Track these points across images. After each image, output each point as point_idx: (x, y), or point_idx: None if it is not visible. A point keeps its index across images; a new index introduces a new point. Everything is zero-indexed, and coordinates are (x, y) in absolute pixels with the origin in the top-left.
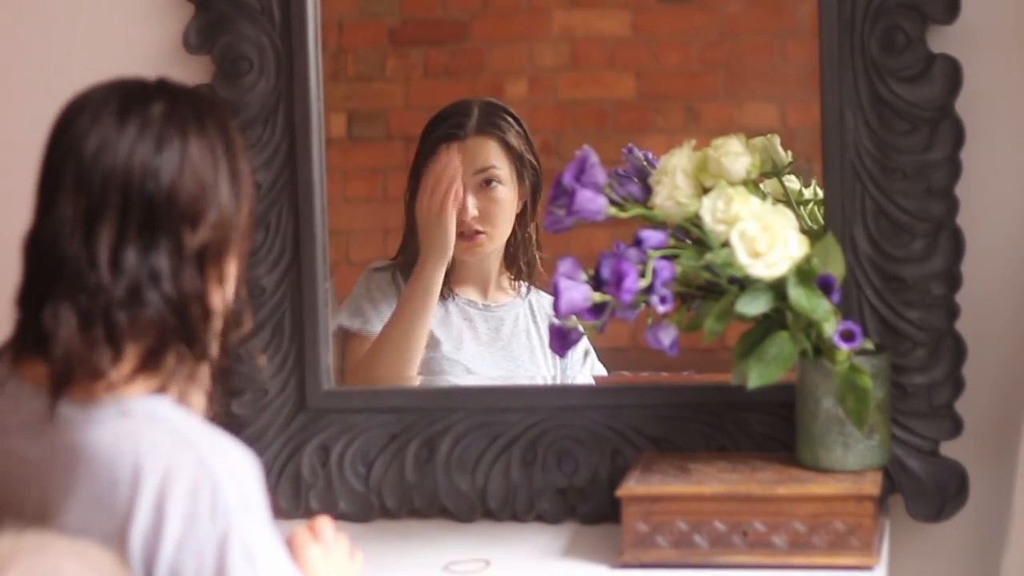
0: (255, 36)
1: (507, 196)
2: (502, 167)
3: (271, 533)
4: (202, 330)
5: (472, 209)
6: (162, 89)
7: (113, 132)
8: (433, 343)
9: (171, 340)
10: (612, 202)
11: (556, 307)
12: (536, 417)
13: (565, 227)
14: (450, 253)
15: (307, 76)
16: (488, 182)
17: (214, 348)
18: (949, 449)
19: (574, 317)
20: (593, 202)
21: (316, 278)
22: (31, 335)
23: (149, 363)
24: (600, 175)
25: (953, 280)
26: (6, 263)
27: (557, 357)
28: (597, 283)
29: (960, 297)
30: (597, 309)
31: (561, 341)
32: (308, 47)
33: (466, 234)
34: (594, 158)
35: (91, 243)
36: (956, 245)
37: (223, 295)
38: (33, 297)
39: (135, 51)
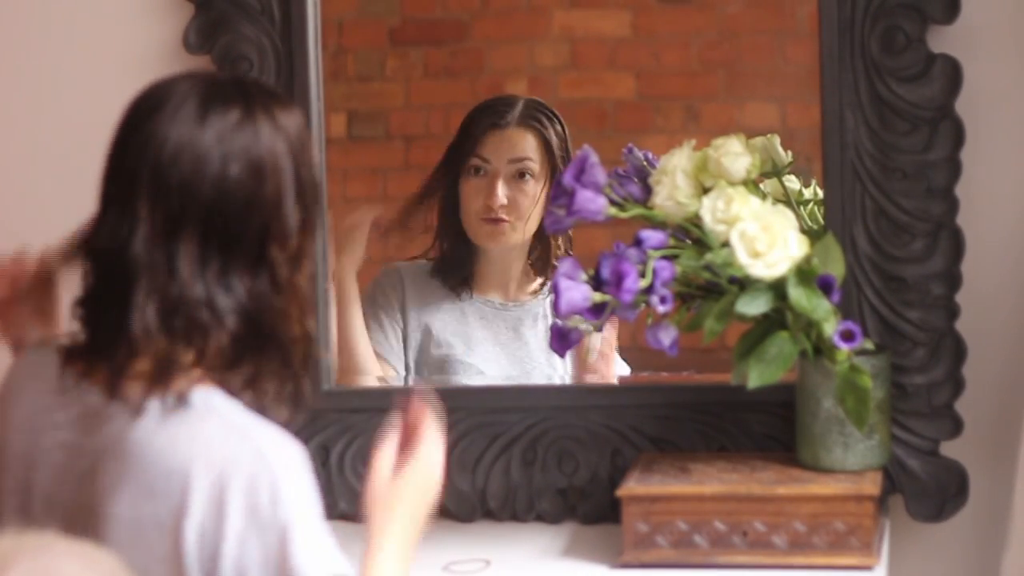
0: (255, 36)
1: (537, 191)
2: (536, 161)
3: (324, 523)
4: (278, 341)
5: (501, 197)
6: (239, 90)
7: (190, 136)
8: (444, 345)
9: (247, 351)
10: (612, 202)
11: (556, 307)
12: (536, 417)
13: (565, 227)
14: (359, 261)
15: (307, 76)
16: (521, 174)
17: (290, 358)
18: (949, 449)
19: (576, 317)
20: (593, 202)
21: (316, 278)
22: (99, 337)
23: (226, 371)
24: (600, 175)
25: (953, 280)
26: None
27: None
28: (597, 283)
29: (960, 297)
30: (597, 309)
31: (561, 341)
32: (308, 47)
33: (490, 217)
34: (594, 158)
35: (172, 253)
36: (956, 245)
37: (297, 303)
38: (104, 300)
39: (135, 51)
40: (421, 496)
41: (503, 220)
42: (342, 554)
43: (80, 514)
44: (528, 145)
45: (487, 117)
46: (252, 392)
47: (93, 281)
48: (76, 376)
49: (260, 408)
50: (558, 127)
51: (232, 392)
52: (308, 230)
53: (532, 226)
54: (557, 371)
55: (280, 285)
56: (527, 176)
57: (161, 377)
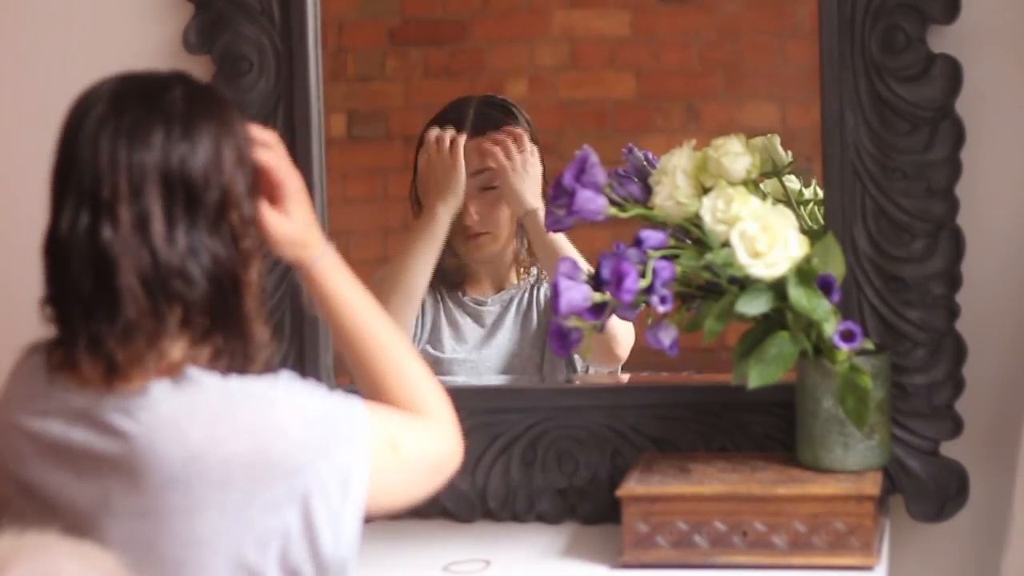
0: (255, 36)
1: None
2: (498, 167)
3: (331, 398)
4: (246, 309)
5: (473, 214)
6: (174, 77)
7: (141, 115)
8: (438, 346)
9: (219, 320)
10: (612, 202)
11: (556, 307)
12: (536, 417)
13: (565, 227)
14: (461, 195)
15: (307, 76)
16: (486, 185)
17: (256, 328)
18: (949, 449)
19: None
20: (593, 202)
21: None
22: (83, 329)
23: (199, 343)
24: (600, 175)
25: (953, 280)
26: (6, 260)
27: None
28: (597, 283)
29: (960, 297)
30: (597, 309)
31: (561, 341)
32: (308, 47)
33: (469, 235)
34: (594, 158)
35: (143, 229)
36: (956, 245)
37: (258, 274)
38: (82, 292)
39: (135, 51)
40: (309, 212)
41: (481, 233)
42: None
43: (86, 516)
44: (487, 154)
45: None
46: (219, 363)
47: (64, 275)
48: (67, 374)
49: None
50: (518, 125)
51: (202, 364)
52: (255, 200)
53: (511, 228)
54: (541, 355)
55: (242, 252)
56: (495, 184)
57: (156, 358)
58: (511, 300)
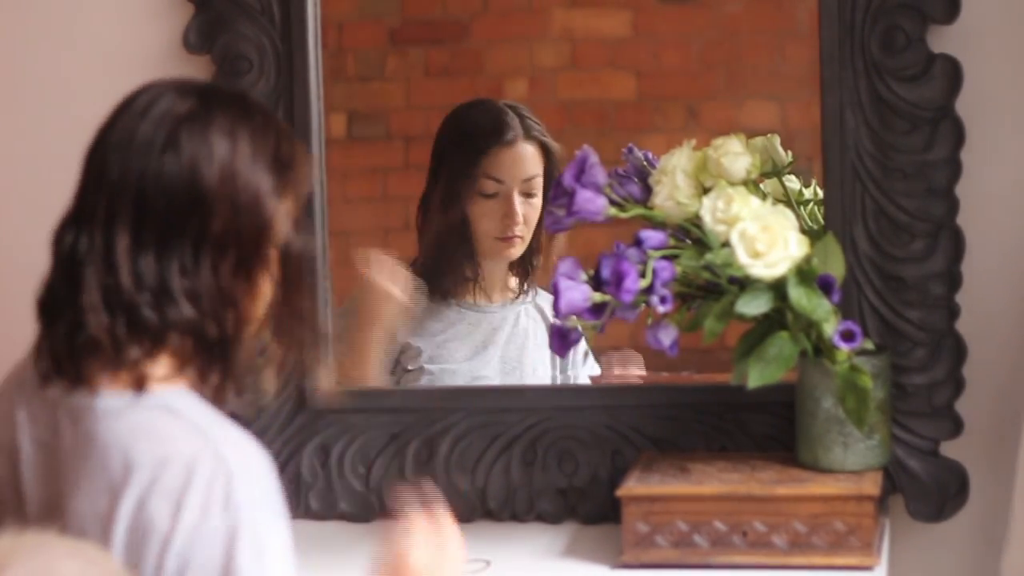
0: (255, 36)
1: (541, 203)
2: (542, 175)
3: (284, 531)
4: (227, 335)
5: (520, 216)
6: (201, 92)
7: (131, 124)
8: (424, 351)
9: (198, 345)
10: (612, 202)
11: (556, 307)
12: (536, 417)
13: (565, 227)
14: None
15: (307, 76)
16: (532, 191)
17: (238, 353)
18: (949, 449)
19: (574, 317)
20: (593, 202)
21: (316, 278)
22: (57, 334)
23: (174, 365)
24: (600, 175)
25: (953, 280)
26: (5, 261)
27: (557, 358)
28: (597, 283)
29: (960, 297)
30: (597, 309)
31: (561, 341)
32: (308, 47)
33: (507, 236)
34: (594, 158)
35: (110, 246)
36: (956, 245)
37: (252, 299)
38: (60, 297)
39: (135, 51)
40: None
41: (518, 237)
42: (291, 562)
43: (48, 511)
44: (537, 161)
45: (490, 135)
46: (204, 388)
47: (52, 277)
48: (43, 374)
49: (215, 404)
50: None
51: (195, 389)
52: (273, 230)
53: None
54: (538, 371)
55: (221, 286)
56: (534, 192)
57: (118, 374)
58: (512, 308)
